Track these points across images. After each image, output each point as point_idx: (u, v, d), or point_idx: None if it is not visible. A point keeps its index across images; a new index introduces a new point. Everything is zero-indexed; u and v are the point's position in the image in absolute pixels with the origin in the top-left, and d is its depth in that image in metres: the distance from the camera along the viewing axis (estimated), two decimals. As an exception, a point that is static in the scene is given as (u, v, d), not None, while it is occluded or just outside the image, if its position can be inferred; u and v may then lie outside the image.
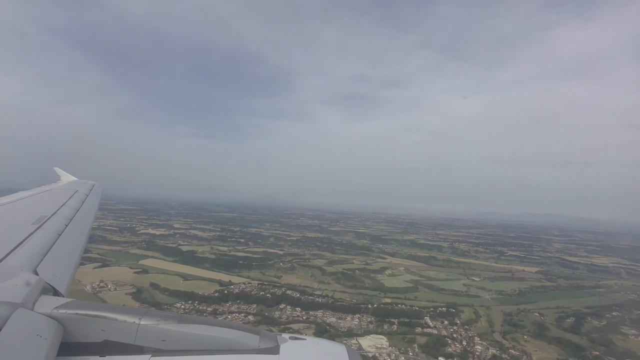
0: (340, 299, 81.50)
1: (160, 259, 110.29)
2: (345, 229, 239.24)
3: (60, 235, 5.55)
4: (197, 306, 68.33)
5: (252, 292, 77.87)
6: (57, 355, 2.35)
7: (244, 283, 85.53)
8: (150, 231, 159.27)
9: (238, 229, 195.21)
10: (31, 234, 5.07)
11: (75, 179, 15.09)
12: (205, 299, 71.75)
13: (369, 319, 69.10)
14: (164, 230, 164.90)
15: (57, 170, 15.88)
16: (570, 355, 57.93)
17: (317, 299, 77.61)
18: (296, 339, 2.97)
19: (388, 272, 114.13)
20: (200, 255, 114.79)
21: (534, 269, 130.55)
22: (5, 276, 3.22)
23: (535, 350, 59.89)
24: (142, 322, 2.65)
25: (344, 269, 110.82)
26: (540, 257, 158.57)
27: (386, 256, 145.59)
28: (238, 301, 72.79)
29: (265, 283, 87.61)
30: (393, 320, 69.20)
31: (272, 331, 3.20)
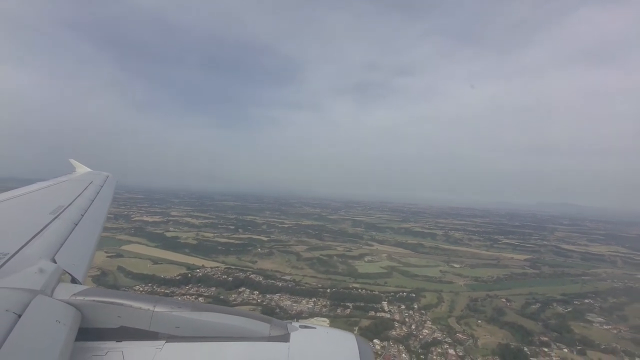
0: (305, 283, 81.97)
1: (143, 244, 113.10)
2: (344, 217, 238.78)
3: (76, 224, 5.71)
4: (156, 289, 70.01)
5: (215, 276, 79.14)
6: (75, 340, 2.45)
7: (212, 267, 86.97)
8: (145, 218, 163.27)
9: (234, 216, 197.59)
10: (49, 223, 5.21)
11: (90, 170, 15.58)
12: (166, 282, 73.47)
13: (324, 303, 69.31)
14: (159, 218, 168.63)
15: (73, 161, 16.36)
16: (518, 340, 56.63)
17: (279, 283, 78.20)
18: (306, 327, 3.01)
19: (367, 258, 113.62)
20: (183, 241, 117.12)
21: (523, 257, 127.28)
22: (25, 264, 3.32)
23: (484, 335, 58.84)
24: (157, 309, 2.76)
25: (321, 255, 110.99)
26: (535, 245, 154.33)
27: (374, 243, 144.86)
28: (199, 284, 74.18)
29: (233, 267, 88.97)
30: (349, 304, 69.18)
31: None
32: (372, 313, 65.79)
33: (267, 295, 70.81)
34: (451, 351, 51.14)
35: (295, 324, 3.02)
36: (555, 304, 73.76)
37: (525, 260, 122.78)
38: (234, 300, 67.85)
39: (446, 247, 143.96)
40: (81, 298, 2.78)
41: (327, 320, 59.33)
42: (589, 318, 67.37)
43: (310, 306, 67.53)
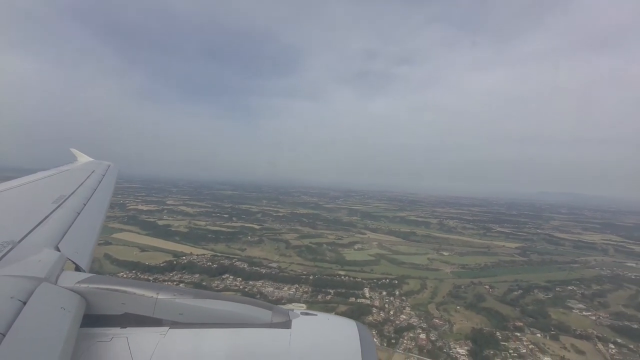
0: (291, 270, 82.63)
1: (134, 232, 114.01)
2: (341, 206, 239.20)
3: (79, 213, 5.75)
4: (139, 275, 70.78)
5: (200, 263, 79.86)
6: (80, 327, 2.51)
7: (198, 255, 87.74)
8: (140, 207, 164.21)
9: (229, 205, 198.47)
10: (52, 212, 5.24)
11: (92, 159, 15.54)
12: (149, 269, 74.21)
13: (306, 289, 69.91)
14: (154, 206, 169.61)
15: (74, 151, 16.30)
16: (493, 325, 57.07)
17: (263, 270, 78.85)
18: (307, 314, 3.05)
19: (357, 246, 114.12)
20: (174, 229, 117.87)
21: (515, 245, 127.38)
22: (29, 252, 3.36)
23: (461, 320, 59.29)
24: (160, 297, 2.79)
25: (311, 242, 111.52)
26: (528, 233, 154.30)
27: (366, 232, 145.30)
28: (183, 271, 74.95)
29: (219, 255, 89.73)
30: (330, 290, 69.73)
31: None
32: (353, 299, 66.36)
33: (250, 282, 71.44)
34: (422, 336, 51.63)
35: (297, 311, 3.06)
36: (536, 291, 74.09)
37: (516, 248, 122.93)
38: (217, 286, 68.54)
39: (438, 235, 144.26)
40: (85, 285, 2.81)
41: (305, 306, 59.59)
42: (569, 304, 67.63)
43: (292, 292, 68.14)
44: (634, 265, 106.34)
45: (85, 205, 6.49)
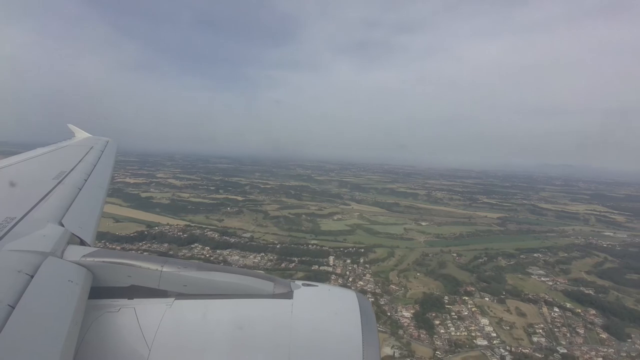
0: (262, 239, 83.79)
1: (116, 204, 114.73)
2: (333, 178, 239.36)
3: (80, 189, 5.81)
4: (108, 245, 71.93)
5: (170, 233, 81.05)
6: (88, 299, 2.59)
7: (171, 225, 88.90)
8: (127, 180, 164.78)
9: (219, 178, 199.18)
10: (53, 188, 5.30)
11: (90, 135, 15.55)
12: (118, 239, 75.34)
13: (271, 257, 71.09)
14: (143, 179, 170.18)
15: (71, 127, 16.21)
16: (447, 290, 58.23)
17: (233, 239, 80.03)
18: (309, 285, 3.08)
19: (336, 217, 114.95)
20: (155, 201, 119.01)
21: (497, 215, 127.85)
22: (33, 228, 3.41)
23: (417, 286, 60.51)
24: (164, 269, 2.86)
25: (290, 213, 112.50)
26: (514, 204, 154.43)
27: (351, 203, 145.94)
28: (153, 241, 76.19)
29: (193, 225, 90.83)
30: (295, 258, 70.93)
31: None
32: (316, 267, 67.59)
33: (218, 251, 72.63)
34: (371, 299, 52.78)
35: (298, 282, 3.09)
36: (500, 258, 75.03)
37: (497, 218, 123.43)
38: (183, 255, 69.85)
39: (422, 206, 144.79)
40: (91, 259, 2.88)
41: (263, 273, 61.07)
42: (529, 271, 68.62)
43: (257, 260, 69.42)
44: (611, 234, 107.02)
45: (86, 181, 6.54)
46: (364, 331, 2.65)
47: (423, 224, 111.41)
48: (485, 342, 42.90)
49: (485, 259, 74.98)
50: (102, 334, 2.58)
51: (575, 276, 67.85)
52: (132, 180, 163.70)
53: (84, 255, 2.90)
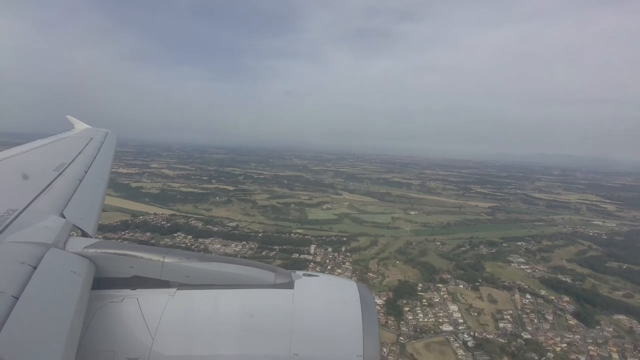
0: (246, 228, 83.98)
1: (106, 194, 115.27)
2: (329, 168, 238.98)
3: (81, 181, 5.86)
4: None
5: (154, 222, 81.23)
6: (91, 289, 2.64)
7: (156, 214, 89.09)
8: (120, 170, 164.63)
9: (214, 168, 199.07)
10: (54, 180, 5.33)
11: (89, 126, 15.62)
12: (101, 228, 74.96)
13: (253, 246, 71.20)
14: (136, 170, 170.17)
15: (70, 118, 16.21)
16: (423, 277, 58.36)
17: (216, 228, 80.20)
18: (309, 275, 3.15)
19: (325, 206, 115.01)
20: (145, 191, 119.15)
21: (488, 205, 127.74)
22: (35, 219, 3.42)
23: (394, 274, 60.57)
24: (166, 260, 2.91)
25: (279, 202, 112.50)
26: (507, 194, 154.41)
27: (343, 193, 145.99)
28: (136, 230, 76.33)
29: (178, 214, 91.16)
30: (276, 247, 71.08)
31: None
32: (296, 255, 67.71)
33: (200, 240, 72.77)
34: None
35: (299, 272, 3.15)
36: (482, 246, 75.05)
37: (488, 207, 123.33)
38: (165, 243, 69.89)
39: (414, 196, 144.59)
40: (93, 250, 2.92)
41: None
42: (510, 259, 68.62)
43: (238, 249, 69.52)
44: (600, 223, 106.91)
45: (86, 172, 6.60)
46: (365, 321, 2.70)
47: (412, 213, 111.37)
48: (450, 328, 43.11)
49: (468, 247, 74.99)
50: (105, 324, 2.63)
51: (555, 264, 67.86)
52: (124, 170, 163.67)
53: (86, 247, 2.95)
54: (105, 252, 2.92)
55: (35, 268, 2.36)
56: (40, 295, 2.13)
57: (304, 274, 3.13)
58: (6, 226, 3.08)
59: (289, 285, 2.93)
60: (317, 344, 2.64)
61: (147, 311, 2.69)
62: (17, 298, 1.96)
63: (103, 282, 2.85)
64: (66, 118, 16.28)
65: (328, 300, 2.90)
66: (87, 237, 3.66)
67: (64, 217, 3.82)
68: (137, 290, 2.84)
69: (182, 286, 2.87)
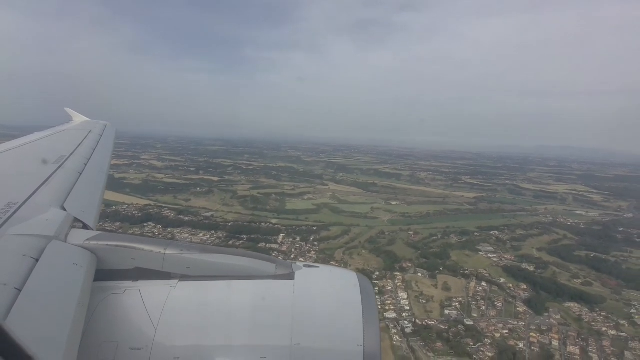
0: (220, 218, 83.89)
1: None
2: (321, 160, 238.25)
3: (81, 173, 5.84)
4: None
5: (125, 212, 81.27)
6: (93, 281, 2.65)
7: (129, 204, 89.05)
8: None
9: (204, 159, 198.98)
10: (54, 172, 5.29)
11: (88, 119, 15.48)
12: (70, 216, 75.78)
13: (221, 235, 71.17)
14: (124, 161, 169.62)
15: (69, 110, 16.00)
16: (384, 266, 58.10)
17: (187, 218, 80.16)
18: (310, 266, 3.13)
19: (307, 196, 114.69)
20: (126, 182, 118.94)
21: (473, 195, 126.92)
22: (36, 212, 3.39)
23: (357, 263, 60.36)
24: (168, 252, 2.90)
25: (259, 193, 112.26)
26: (496, 184, 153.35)
27: (330, 183, 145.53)
28: (106, 220, 76.26)
29: (153, 204, 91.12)
30: (244, 236, 70.98)
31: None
32: (263, 244, 67.56)
33: (169, 229, 72.77)
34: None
35: (300, 263, 3.14)
36: (453, 235, 74.53)
37: (473, 198, 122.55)
38: (133, 232, 70.04)
39: (401, 186, 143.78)
40: (95, 242, 2.91)
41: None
42: (478, 248, 68.16)
43: (206, 238, 69.49)
44: (583, 213, 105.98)
45: (86, 165, 6.56)
46: (365, 311, 2.68)
47: (393, 203, 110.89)
48: (394, 315, 42.84)
49: (439, 236, 74.53)
50: (108, 315, 2.63)
51: (524, 253, 67.37)
52: (113, 162, 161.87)
53: (87, 239, 2.91)
54: (107, 245, 2.90)
55: (37, 260, 2.34)
56: (43, 287, 2.12)
57: (304, 265, 3.11)
58: (7, 219, 3.03)
59: (290, 276, 2.90)
60: (318, 333, 2.62)
61: (149, 302, 2.69)
62: (20, 290, 1.95)
63: (105, 274, 2.83)
64: (64, 110, 16.10)
65: (329, 290, 2.87)
66: (88, 229, 3.62)
67: (64, 209, 3.77)
68: (139, 281, 2.84)
69: (183, 278, 2.87)
